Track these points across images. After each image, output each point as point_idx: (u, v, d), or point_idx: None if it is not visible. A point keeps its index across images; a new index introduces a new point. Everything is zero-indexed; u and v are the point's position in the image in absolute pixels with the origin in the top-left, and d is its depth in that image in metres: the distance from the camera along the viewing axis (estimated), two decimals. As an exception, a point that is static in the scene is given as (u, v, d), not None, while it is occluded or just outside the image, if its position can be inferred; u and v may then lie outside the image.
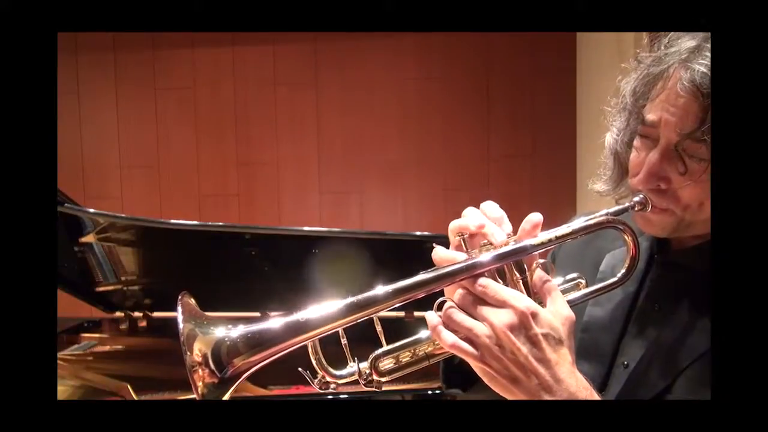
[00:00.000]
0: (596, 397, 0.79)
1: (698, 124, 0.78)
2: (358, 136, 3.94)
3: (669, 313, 0.90)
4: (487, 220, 0.83)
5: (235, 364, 0.79)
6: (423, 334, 0.86)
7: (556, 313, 0.78)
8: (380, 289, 0.81)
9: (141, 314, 2.73)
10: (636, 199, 0.86)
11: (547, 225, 0.84)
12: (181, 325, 0.78)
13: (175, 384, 2.17)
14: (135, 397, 2.01)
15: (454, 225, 0.85)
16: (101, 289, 2.67)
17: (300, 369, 0.86)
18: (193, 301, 0.83)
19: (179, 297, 0.81)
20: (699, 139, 0.78)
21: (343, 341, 0.85)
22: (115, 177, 4.08)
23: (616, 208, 0.86)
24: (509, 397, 0.78)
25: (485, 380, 0.79)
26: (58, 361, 2.36)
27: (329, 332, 0.81)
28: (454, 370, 1.00)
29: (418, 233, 2.33)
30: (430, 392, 2.06)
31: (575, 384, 0.77)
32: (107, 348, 2.65)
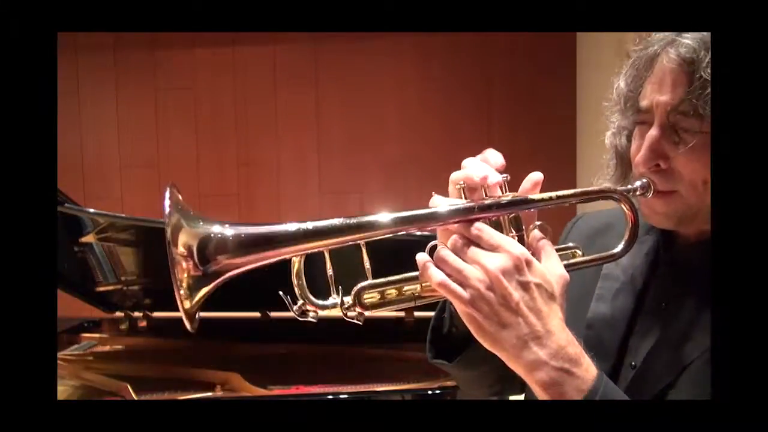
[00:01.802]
0: (585, 356, 0.77)
1: (687, 94, 0.79)
2: (359, 136, 3.94)
3: (675, 311, 0.89)
4: (490, 171, 0.82)
5: (220, 261, 0.78)
6: (413, 274, 0.84)
7: (550, 269, 0.78)
8: (377, 216, 0.80)
9: (141, 314, 2.73)
10: (638, 183, 0.85)
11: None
12: (167, 210, 0.77)
13: (175, 384, 2.17)
14: (135, 397, 2.01)
15: (456, 176, 0.84)
16: (101, 289, 2.67)
17: (280, 293, 0.84)
18: (180, 196, 0.82)
19: (168, 186, 0.80)
20: (688, 109, 0.79)
21: (329, 272, 0.83)
22: (115, 177, 4.08)
23: (620, 188, 0.86)
24: (494, 349, 0.76)
25: (471, 328, 0.76)
26: (58, 361, 2.36)
27: (318, 249, 0.80)
28: (442, 339, 0.99)
29: (418, 233, 2.32)
30: (430, 392, 2.06)
31: (565, 338, 0.75)
32: (107, 348, 2.65)
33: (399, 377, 2.16)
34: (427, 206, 0.84)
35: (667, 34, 0.83)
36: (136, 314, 2.73)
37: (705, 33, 0.79)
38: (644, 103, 0.85)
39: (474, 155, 0.86)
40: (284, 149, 3.99)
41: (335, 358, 2.40)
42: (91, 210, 2.33)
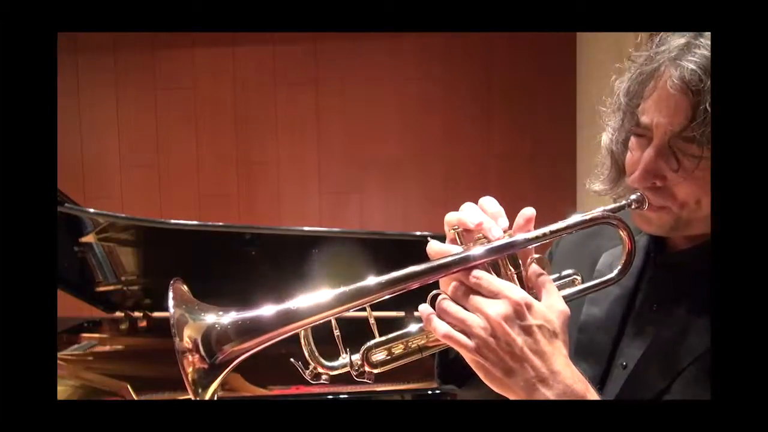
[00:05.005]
0: (591, 390, 0.78)
1: (689, 121, 0.78)
2: (358, 136, 3.94)
3: (666, 314, 0.90)
4: (484, 217, 0.83)
5: (225, 350, 0.78)
6: (416, 326, 0.86)
7: (551, 306, 0.78)
8: (373, 280, 0.80)
9: (141, 314, 2.73)
10: (633, 197, 0.86)
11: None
12: (171, 310, 0.78)
13: (175, 384, 2.17)
14: (135, 397, 2.01)
15: (451, 218, 0.84)
16: (101, 289, 2.67)
17: (292, 360, 0.86)
18: (185, 287, 0.83)
19: (171, 282, 0.81)
20: (690, 136, 0.79)
21: (336, 333, 0.85)
22: (115, 177, 4.08)
23: (613, 205, 0.86)
24: (504, 393, 0.77)
25: (480, 374, 0.78)
26: (58, 361, 2.36)
27: (320, 321, 0.81)
28: (450, 366, 1.00)
29: (418, 233, 2.32)
30: (429, 392, 2.06)
31: (570, 376, 0.76)
32: (107, 348, 2.65)
33: (399, 377, 2.16)
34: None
35: (670, 47, 0.82)
36: (136, 314, 2.73)
37: (707, 54, 0.77)
38: (644, 119, 0.85)
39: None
40: (284, 149, 3.99)
41: (335, 357, 2.39)
42: (91, 210, 2.33)
